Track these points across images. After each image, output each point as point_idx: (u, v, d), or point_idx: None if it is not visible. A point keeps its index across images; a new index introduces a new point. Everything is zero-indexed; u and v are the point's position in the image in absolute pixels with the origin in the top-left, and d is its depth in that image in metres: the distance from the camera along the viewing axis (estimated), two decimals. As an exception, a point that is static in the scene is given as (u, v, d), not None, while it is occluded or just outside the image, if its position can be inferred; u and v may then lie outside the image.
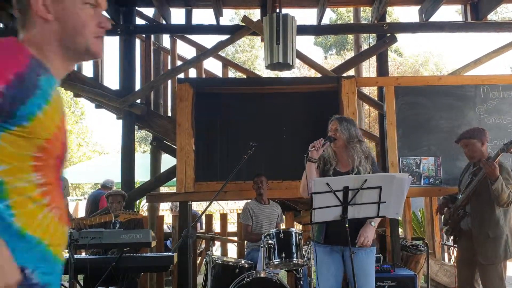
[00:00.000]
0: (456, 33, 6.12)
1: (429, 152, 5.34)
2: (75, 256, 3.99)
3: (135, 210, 6.73)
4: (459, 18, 6.69)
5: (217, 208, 15.25)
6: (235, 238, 5.82)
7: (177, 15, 22.79)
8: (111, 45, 7.64)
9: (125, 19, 6.01)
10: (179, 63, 6.42)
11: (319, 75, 6.15)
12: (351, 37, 19.13)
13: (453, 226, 4.05)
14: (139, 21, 6.25)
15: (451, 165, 5.24)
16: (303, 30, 5.82)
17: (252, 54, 28.39)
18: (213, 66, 24.00)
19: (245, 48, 28.42)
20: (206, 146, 5.52)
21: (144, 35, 6.34)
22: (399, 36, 6.11)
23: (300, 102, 5.63)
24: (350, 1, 6.68)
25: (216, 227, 7.32)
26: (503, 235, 3.75)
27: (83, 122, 26.86)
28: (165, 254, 4.67)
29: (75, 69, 6.12)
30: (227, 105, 5.60)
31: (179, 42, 6.53)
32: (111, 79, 6.67)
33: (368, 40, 18.22)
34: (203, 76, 6.54)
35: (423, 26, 6.01)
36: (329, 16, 25.21)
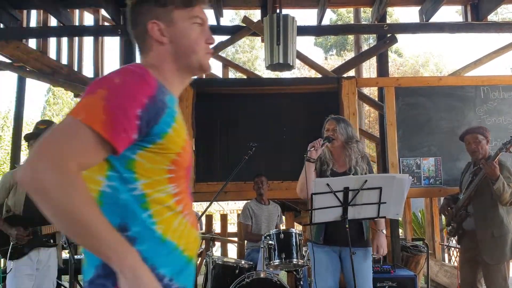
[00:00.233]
0: (457, 34, 6.11)
1: (430, 152, 5.34)
2: (75, 257, 3.98)
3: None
4: (459, 18, 6.68)
5: (217, 208, 15.24)
6: (235, 239, 5.82)
7: (178, 16, 22.75)
8: (112, 46, 7.63)
9: (125, 20, 5.99)
10: (179, 63, 6.41)
11: (319, 75, 6.15)
12: (351, 37, 19.14)
13: (455, 227, 4.04)
14: (139, 21, 6.24)
15: (452, 166, 5.24)
16: (304, 30, 5.82)
17: (252, 54, 28.39)
18: (213, 66, 23.96)
19: (245, 48, 28.42)
20: (206, 147, 5.52)
21: (144, 36, 6.33)
22: (400, 36, 6.10)
23: (300, 103, 5.63)
24: (350, 1, 6.68)
25: (216, 227, 7.32)
26: (508, 234, 3.74)
27: (83, 123, 26.88)
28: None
29: (75, 69, 6.13)
30: (227, 106, 5.60)
31: (179, 43, 6.51)
32: (111, 80, 6.63)
33: (369, 41, 18.23)
34: (203, 76, 6.54)
35: (424, 26, 6.01)
36: (330, 16, 25.23)
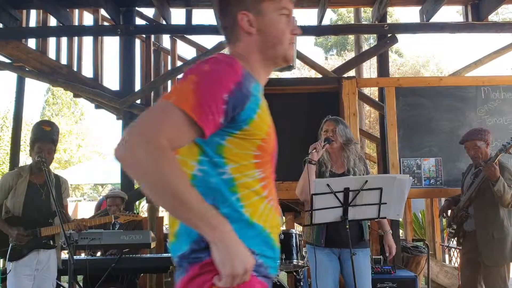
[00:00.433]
0: (457, 34, 6.09)
1: (430, 153, 5.32)
2: (75, 257, 3.97)
3: (135, 211, 6.71)
4: (460, 18, 6.67)
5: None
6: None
7: (177, 16, 22.76)
8: (111, 46, 7.62)
9: (125, 20, 5.99)
10: (179, 63, 6.41)
11: (319, 75, 6.14)
12: (351, 37, 19.13)
13: (456, 228, 4.03)
14: (139, 21, 6.25)
15: (452, 166, 5.22)
16: (304, 30, 5.80)
17: (252, 54, 28.38)
18: (213, 66, 23.92)
19: (245, 48, 28.41)
20: (206, 147, 5.50)
21: (144, 36, 6.33)
22: (400, 36, 6.09)
23: (300, 103, 5.62)
24: (350, 1, 6.66)
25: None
26: (508, 236, 3.73)
27: (82, 123, 26.92)
28: (165, 255, 4.65)
29: (75, 69, 6.12)
30: (227, 106, 5.58)
31: (179, 43, 6.51)
32: (111, 80, 6.66)
33: (369, 41, 18.25)
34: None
35: (424, 26, 5.99)
36: (330, 16, 25.22)
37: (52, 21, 6.22)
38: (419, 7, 6.14)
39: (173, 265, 4.55)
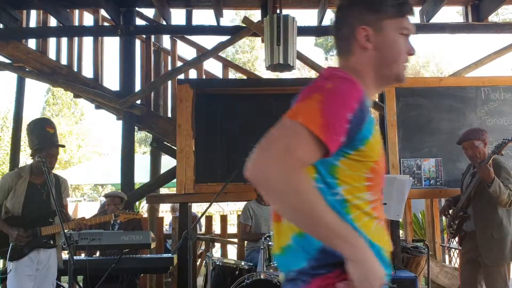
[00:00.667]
0: (457, 34, 6.10)
1: (430, 153, 5.33)
2: (75, 258, 3.97)
3: (136, 211, 6.70)
4: (460, 19, 6.68)
5: (217, 209, 15.23)
6: (235, 240, 5.81)
7: (177, 16, 22.72)
8: (111, 46, 7.62)
9: (125, 20, 5.99)
10: (179, 64, 6.41)
11: (319, 76, 6.13)
12: (351, 38, 19.09)
13: (456, 228, 4.04)
14: (139, 21, 6.25)
15: (452, 167, 5.23)
16: (304, 31, 5.81)
17: (252, 55, 28.38)
18: (213, 67, 23.99)
19: (245, 49, 28.41)
20: (206, 147, 5.51)
21: (144, 36, 6.33)
22: (400, 37, 6.08)
23: (300, 103, 5.61)
24: (351, 2, 6.66)
25: (216, 228, 7.31)
26: (508, 236, 3.73)
27: (82, 123, 26.92)
28: (165, 255, 4.66)
29: (75, 70, 6.13)
30: (228, 106, 5.58)
31: (179, 43, 6.51)
32: (111, 80, 6.66)
33: (369, 42, 18.25)
34: (204, 77, 6.53)
35: (424, 27, 5.99)
36: (330, 17, 25.20)
37: (52, 22, 6.22)
38: (419, 8, 6.14)
39: (173, 265, 4.56)
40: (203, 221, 6.09)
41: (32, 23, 6.30)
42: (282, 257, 1.33)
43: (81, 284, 4.27)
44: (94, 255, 4.59)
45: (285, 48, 4.88)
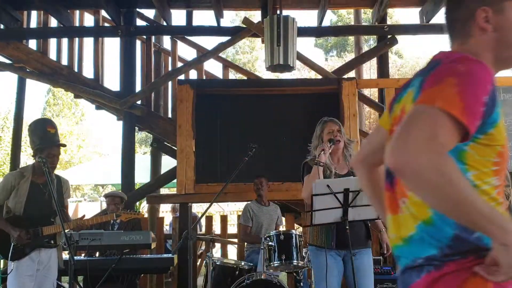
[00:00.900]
0: (457, 35, 6.10)
1: (430, 154, 5.33)
2: (75, 258, 3.97)
3: (136, 211, 6.70)
4: (460, 20, 6.67)
5: (217, 210, 15.23)
6: (235, 240, 5.81)
7: (178, 17, 22.74)
8: (112, 47, 7.64)
9: (125, 21, 6.00)
10: (179, 64, 6.42)
11: (319, 76, 6.15)
12: (351, 39, 19.12)
13: None
14: (139, 22, 6.26)
15: (452, 167, 5.23)
16: (304, 31, 5.82)
17: (252, 55, 28.40)
18: (213, 67, 23.98)
19: (245, 49, 28.42)
20: (206, 148, 5.52)
21: (144, 37, 6.34)
22: (400, 38, 6.10)
23: (300, 104, 5.63)
24: (350, 3, 6.68)
25: (216, 229, 7.31)
26: None
27: (83, 123, 26.93)
28: (165, 255, 4.66)
29: (76, 70, 6.14)
30: (228, 107, 5.60)
31: (180, 44, 6.53)
32: (112, 80, 6.67)
33: (369, 42, 18.24)
34: (204, 77, 6.54)
35: (424, 28, 6.01)
36: (330, 17, 25.23)
37: (53, 22, 6.24)
38: (419, 8, 6.15)
39: (173, 265, 4.57)
40: (203, 221, 6.10)
41: (33, 24, 6.32)
42: (406, 247, 1.33)
43: (81, 284, 4.27)
44: (94, 255, 4.59)
45: (285, 48, 4.89)
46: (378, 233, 3.47)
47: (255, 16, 8.78)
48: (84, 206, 17.74)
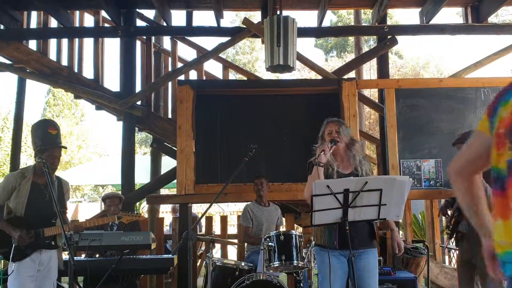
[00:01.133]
0: (457, 36, 6.11)
1: (430, 154, 5.34)
2: (75, 258, 3.97)
3: (135, 212, 6.71)
4: (460, 20, 6.69)
5: (217, 210, 15.23)
6: (235, 241, 5.81)
7: (178, 17, 22.80)
8: (112, 47, 7.64)
9: (125, 21, 6.00)
10: (179, 65, 6.42)
11: (319, 77, 6.15)
12: (351, 39, 19.12)
13: (452, 229, 4.07)
14: (139, 23, 6.26)
15: (452, 168, 5.22)
16: (304, 32, 5.82)
17: (252, 56, 28.40)
18: (213, 68, 23.99)
19: (245, 50, 28.43)
20: (206, 148, 5.52)
21: (144, 37, 6.34)
22: (400, 38, 6.10)
23: (300, 104, 5.63)
24: (350, 3, 6.68)
25: (216, 229, 7.31)
26: None
27: (83, 124, 26.93)
28: (165, 256, 4.65)
29: (76, 71, 6.14)
30: (228, 107, 5.60)
31: (180, 44, 6.53)
32: (112, 81, 6.67)
33: (369, 43, 18.24)
34: (204, 78, 6.54)
35: (424, 28, 6.01)
36: (330, 18, 25.24)
37: (53, 23, 6.24)
38: (419, 9, 6.15)
39: (173, 266, 4.56)
40: (203, 221, 6.10)
41: (33, 24, 6.31)
42: None
43: (81, 285, 4.27)
44: (94, 256, 4.59)
45: (285, 49, 4.89)
46: (391, 231, 3.42)
47: (255, 16, 8.78)
48: (84, 207, 17.73)
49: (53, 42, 6.22)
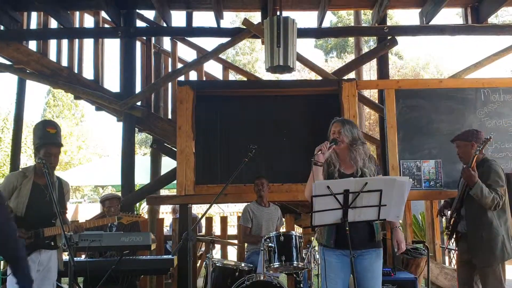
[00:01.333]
0: (457, 36, 6.11)
1: (430, 155, 5.34)
2: (75, 259, 3.97)
3: (135, 212, 6.70)
4: (459, 21, 6.69)
5: (217, 211, 15.23)
6: (235, 241, 5.81)
7: (178, 18, 22.83)
8: (112, 48, 7.64)
9: (125, 22, 6.01)
10: (179, 65, 6.42)
11: (319, 77, 6.15)
12: (351, 40, 19.13)
13: (451, 229, 4.08)
14: (139, 23, 6.26)
15: (452, 168, 5.23)
16: (304, 32, 5.82)
17: (252, 56, 28.42)
18: (213, 68, 23.91)
19: (245, 50, 28.44)
20: (206, 149, 5.52)
21: (144, 38, 6.34)
22: (400, 39, 6.10)
23: (300, 105, 5.63)
24: (350, 4, 6.68)
25: (216, 230, 7.32)
26: (498, 237, 3.76)
27: (83, 125, 26.94)
28: (165, 257, 4.65)
29: (76, 71, 6.14)
30: (228, 108, 5.60)
31: (180, 45, 6.53)
32: (112, 82, 6.67)
33: (369, 43, 18.25)
34: (204, 78, 6.54)
35: (424, 29, 6.01)
36: (330, 19, 25.25)
37: (53, 23, 6.24)
38: (419, 10, 6.16)
39: (173, 266, 4.56)
40: (203, 222, 6.10)
41: (33, 25, 6.32)
42: None
43: (81, 286, 4.28)
44: (94, 257, 4.59)
45: (285, 50, 4.89)
46: (391, 230, 3.35)
47: (255, 17, 8.79)
48: (84, 207, 17.72)
49: (53, 43, 6.22)
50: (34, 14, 6.31)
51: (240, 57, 28.13)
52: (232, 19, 26.58)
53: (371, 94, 10.82)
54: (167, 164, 7.27)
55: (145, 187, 6.25)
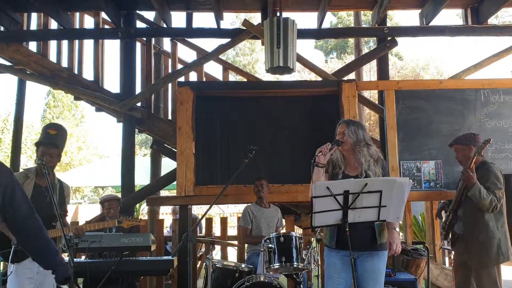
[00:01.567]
0: (457, 37, 6.11)
1: (430, 156, 5.33)
2: (75, 260, 3.96)
3: (135, 213, 6.69)
4: (459, 22, 6.69)
5: (217, 212, 15.23)
6: (235, 242, 5.80)
7: (178, 19, 22.83)
8: (112, 49, 7.64)
9: (125, 23, 6.01)
10: (179, 66, 6.42)
11: (319, 78, 6.15)
12: (351, 40, 19.13)
13: (447, 230, 4.09)
14: (139, 24, 6.27)
15: (452, 169, 5.23)
16: (304, 33, 5.82)
17: (252, 57, 28.43)
18: (213, 69, 24.02)
19: (245, 51, 28.44)
20: (206, 150, 5.52)
21: (144, 39, 6.34)
22: (400, 40, 6.11)
23: (300, 106, 5.63)
24: (350, 5, 6.68)
25: (216, 231, 7.31)
26: (493, 239, 3.76)
27: (83, 125, 26.94)
28: (165, 258, 4.65)
29: (76, 72, 6.14)
30: (228, 109, 5.60)
31: (180, 46, 6.53)
32: (112, 82, 6.67)
33: (369, 44, 18.25)
34: (204, 79, 6.54)
35: (424, 30, 6.01)
36: (330, 19, 25.25)
37: (53, 24, 6.24)
38: (419, 10, 6.16)
39: (173, 267, 4.56)
40: (203, 223, 6.09)
41: (33, 26, 6.32)
42: None
43: (81, 287, 4.27)
44: (96, 258, 4.58)
45: (285, 50, 4.89)
46: (388, 231, 3.25)
47: (255, 18, 8.80)
48: (84, 208, 17.71)
49: (53, 44, 6.23)
50: (34, 15, 6.32)
51: (240, 58, 28.15)
52: (232, 20, 26.60)
53: (371, 95, 10.82)
54: (167, 165, 7.27)
55: (145, 188, 6.25)
